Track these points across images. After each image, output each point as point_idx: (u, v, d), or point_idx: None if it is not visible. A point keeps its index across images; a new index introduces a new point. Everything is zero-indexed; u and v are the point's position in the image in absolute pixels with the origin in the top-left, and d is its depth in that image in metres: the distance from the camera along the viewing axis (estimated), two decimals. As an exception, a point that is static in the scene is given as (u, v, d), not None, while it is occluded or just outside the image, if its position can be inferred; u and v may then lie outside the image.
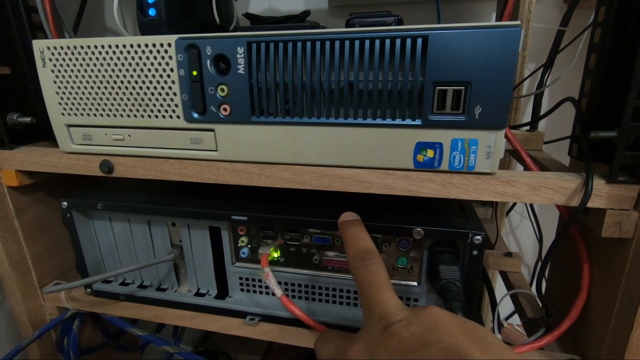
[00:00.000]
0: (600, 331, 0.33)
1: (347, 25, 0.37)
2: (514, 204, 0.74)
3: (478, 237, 0.32)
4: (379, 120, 0.30)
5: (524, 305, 0.44)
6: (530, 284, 0.66)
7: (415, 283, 0.37)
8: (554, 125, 0.69)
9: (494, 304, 0.44)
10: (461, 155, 0.29)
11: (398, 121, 0.29)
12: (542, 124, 0.70)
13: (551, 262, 0.46)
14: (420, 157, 0.30)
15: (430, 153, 0.30)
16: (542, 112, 0.48)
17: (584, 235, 0.35)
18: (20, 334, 0.48)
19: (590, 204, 0.28)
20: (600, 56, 0.30)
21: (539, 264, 0.72)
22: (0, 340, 0.50)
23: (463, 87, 0.27)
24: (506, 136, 0.30)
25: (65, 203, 0.41)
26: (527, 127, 0.51)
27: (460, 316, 0.23)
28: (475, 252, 0.32)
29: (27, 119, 0.42)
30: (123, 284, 0.46)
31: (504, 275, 0.54)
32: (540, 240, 0.70)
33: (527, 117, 0.61)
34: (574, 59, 0.48)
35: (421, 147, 0.30)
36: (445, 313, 0.22)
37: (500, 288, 0.57)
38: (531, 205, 0.69)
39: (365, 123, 0.30)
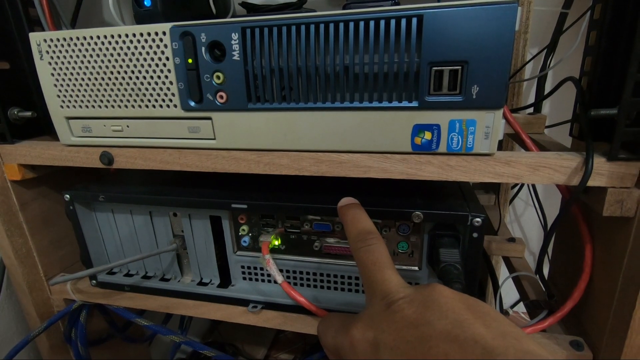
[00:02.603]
0: (603, 312, 0.32)
1: (343, 10, 0.36)
2: (518, 191, 0.73)
3: (478, 219, 0.32)
4: (375, 103, 0.30)
5: (527, 290, 0.44)
6: (535, 271, 0.66)
7: (416, 268, 0.37)
8: (557, 111, 0.69)
9: (496, 288, 0.44)
10: (459, 137, 0.29)
11: (395, 103, 0.29)
12: (545, 110, 0.69)
13: (554, 246, 0.45)
14: (417, 140, 0.30)
15: (427, 135, 0.30)
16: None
17: (586, 215, 0.35)
18: (29, 326, 0.49)
19: (590, 183, 0.28)
20: (600, 32, 0.29)
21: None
22: (9, 333, 0.51)
23: (459, 67, 0.27)
24: (505, 117, 0.30)
25: (68, 195, 0.42)
26: (530, 110, 0.50)
27: (463, 293, 0.23)
28: (475, 235, 0.32)
29: (28, 114, 0.42)
30: (127, 275, 0.46)
31: (508, 261, 0.54)
32: (544, 227, 0.69)
33: (529, 102, 0.61)
34: (577, 40, 0.47)
35: (419, 129, 0.30)
36: (448, 290, 0.22)
37: (504, 275, 0.57)
38: (535, 192, 0.68)
39: (362, 106, 0.30)
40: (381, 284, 0.24)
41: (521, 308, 0.88)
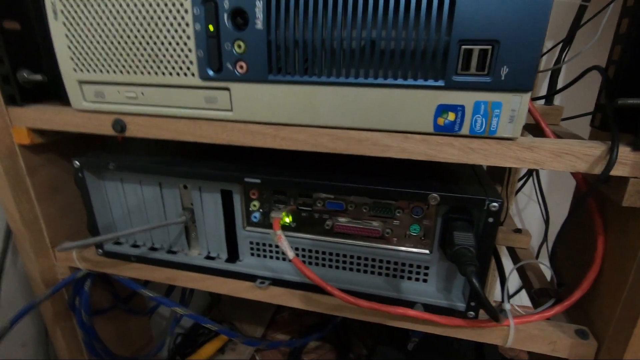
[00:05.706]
0: (611, 303, 0.33)
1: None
2: (523, 184, 0.73)
3: (495, 204, 0.31)
4: (400, 81, 0.29)
5: (531, 280, 0.44)
6: (548, 258, 0.66)
7: (427, 251, 0.37)
8: (571, 105, 0.68)
9: (502, 278, 0.44)
10: (483, 119, 0.29)
11: (420, 82, 0.29)
12: (556, 103, 0.69)
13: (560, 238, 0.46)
14: (440, 120, 0.30)
15: (451, 116, 0.29)
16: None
17: (600, 206, 0.35)
18: (33, 292, 0.49)
19: (613, 172, 0.28)
20: (633, 19, 0.29)
21: (545, 245, 0.73)
22: (13, 298, 0.51)
23: (490, 46, 0.26)
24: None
25: (78, 162, 0.41)
26: (543, 101, 0.50)
27: None
28: (490, 220, 0.32)
29: (38, 77, 0.41)
30: (134, 245, 0.46)
31: (512, 251, 0.54)
32: (547, 221, 0.70)
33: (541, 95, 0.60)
34: (598, 32, 0.46)
35: (442, 109, 0.29)
36: None
37: (508, 266, 0.58)
38: (539, 186, 0.68)
39: (386, 83, 0.29)
40: None
41: (515, 301, 0.89)
